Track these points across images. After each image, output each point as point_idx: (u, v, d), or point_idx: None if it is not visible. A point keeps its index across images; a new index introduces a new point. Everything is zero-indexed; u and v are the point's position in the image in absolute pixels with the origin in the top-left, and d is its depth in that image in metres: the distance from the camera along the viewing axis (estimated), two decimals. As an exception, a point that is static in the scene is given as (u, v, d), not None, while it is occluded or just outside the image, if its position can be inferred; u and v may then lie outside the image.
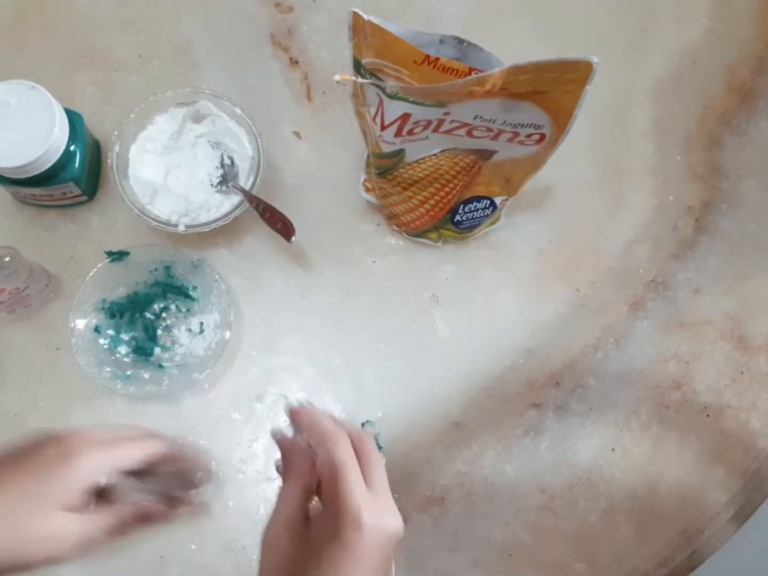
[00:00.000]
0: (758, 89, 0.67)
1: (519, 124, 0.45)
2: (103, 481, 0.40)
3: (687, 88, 0.67)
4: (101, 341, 0.59)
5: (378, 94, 0.43)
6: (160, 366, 0.59)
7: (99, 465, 0.40)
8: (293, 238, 0.57)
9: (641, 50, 0.67)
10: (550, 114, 0.44)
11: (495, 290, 0.63)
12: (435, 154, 0.50)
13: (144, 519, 0.41)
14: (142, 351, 0.59)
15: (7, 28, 0.64)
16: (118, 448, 0.41)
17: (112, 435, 0.42)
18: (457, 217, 0.58)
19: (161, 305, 0.60)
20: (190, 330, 0.59)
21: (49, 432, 0.40)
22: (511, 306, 0.63)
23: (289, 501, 0.40)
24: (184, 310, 0.60)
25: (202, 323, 0.60)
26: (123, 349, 0.59)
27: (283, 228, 0.57)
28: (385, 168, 0.53)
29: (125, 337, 0.59)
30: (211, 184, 0.59)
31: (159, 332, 0.59)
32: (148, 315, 0.59)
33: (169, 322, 0.60)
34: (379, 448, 0.57)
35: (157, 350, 0.59)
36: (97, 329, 0.59)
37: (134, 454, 0.41)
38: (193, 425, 0.59)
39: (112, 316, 0.59)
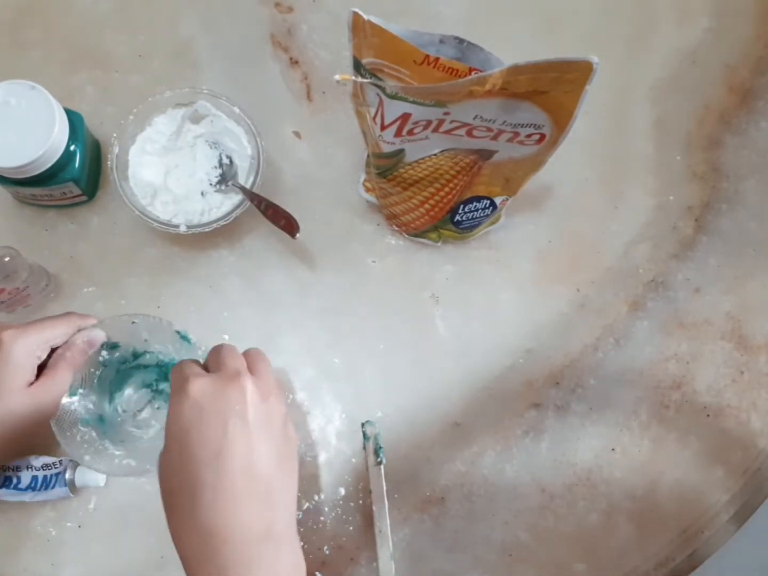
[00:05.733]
0: (758, 89, 0.67)
1: (519, 124, 0.45)
2: (43, 356, 0.50)
3: (687, 88, 0.67)
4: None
5: (378, 94, 0.43)
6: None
7: (36, 344, 0.50)
8: (298, 235, 0.56)
9: (641, 50, 0.67)
10: (550, 114, 0.43)
11: (495, 290, 0.63)
12: (435, 154, 0.50)
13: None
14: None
15: (7, 28, 0.64)
16: (45, 327, 0.51)
17: (37, 321, 0.52)
18: (457, 217, 0.58)
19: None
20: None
21: None
22: (511, 306, 0.63)
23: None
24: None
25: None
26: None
27: (287, 224, 0.57)
28: (385, 168, 0.53)
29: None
30: (210, 184, 0.59)
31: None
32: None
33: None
34: (379, 448, 0.57)
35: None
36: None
37: (60, 330, 0.51)
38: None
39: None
